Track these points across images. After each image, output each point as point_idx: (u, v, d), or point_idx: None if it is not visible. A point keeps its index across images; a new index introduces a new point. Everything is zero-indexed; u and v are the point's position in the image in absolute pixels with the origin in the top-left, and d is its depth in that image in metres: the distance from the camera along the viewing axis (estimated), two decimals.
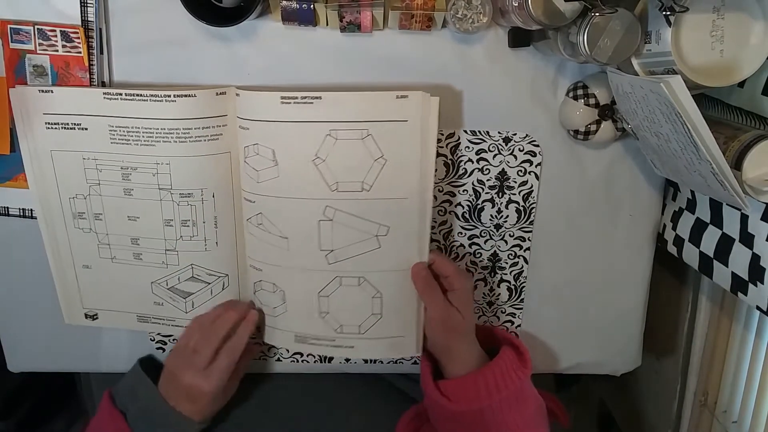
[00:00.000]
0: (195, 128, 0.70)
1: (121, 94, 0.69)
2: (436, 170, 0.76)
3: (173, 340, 0.84)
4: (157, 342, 0.84)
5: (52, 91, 0.70)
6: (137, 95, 0.69)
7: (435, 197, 0.78)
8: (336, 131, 0.69)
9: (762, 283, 0.64)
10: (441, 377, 0.73)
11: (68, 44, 0.70)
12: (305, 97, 0.67)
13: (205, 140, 0.71)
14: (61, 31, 0.69)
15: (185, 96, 0.69)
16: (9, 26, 0.69)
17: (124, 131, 0.71)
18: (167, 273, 0.78)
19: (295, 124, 0.68)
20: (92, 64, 0.71)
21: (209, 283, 0.78)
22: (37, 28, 0.69)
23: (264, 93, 0.68)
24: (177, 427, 0.72)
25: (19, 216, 0.78)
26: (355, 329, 0.77)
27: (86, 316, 0.82)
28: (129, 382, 0.78)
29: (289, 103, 0.67)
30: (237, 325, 0.75)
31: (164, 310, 0.80)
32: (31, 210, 0.77)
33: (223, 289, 0.78)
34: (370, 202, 0.71)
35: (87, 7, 0.69)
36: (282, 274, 0.76)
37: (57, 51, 0.70)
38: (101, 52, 0.71)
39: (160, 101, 0.69)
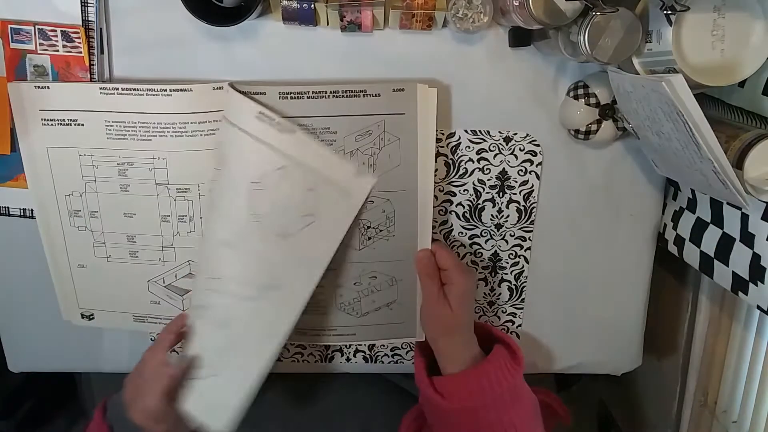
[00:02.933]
0: (191, 123, 0.70)
1: (117, 89, 0.70)
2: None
3: None
4: None
5: (48, 87, 0.70)
6: (133, 89, 0.69)
7: (436, 197, 0.78)
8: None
9: (762, 282, 0.64)
10: (437, 373, 0.73)
11: (69, 44, 0.70)
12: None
13: (201, 135, 0.71)
14: (61, 31, 0.69)
15: (181, 90, 0.69)
16: (9, 26, 0.69)
17: (120, 126, 0.71)
18: (164, 270, 0.78)
19: None
20: (93, 64, 0.71)
21: None
22: (38, 28, 0.69)
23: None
24: None
25: (20, 216, 0.78)
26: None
27: (82, 316, 0.82)
28: (121, 399, 0.74)
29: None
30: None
31: (161, 309, 0.80)
32: (31, 210, 0.77)
33: None
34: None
35: (87, 6, 0.69)
36: None
37: (57, 51, 0.70)
38: (102, 52, 0.71)
39: (156, 95, 0.69)
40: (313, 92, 0.68)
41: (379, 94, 0.69)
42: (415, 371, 0.73)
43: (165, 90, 0.69)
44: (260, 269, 0.70)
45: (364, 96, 0.69)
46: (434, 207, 0.78)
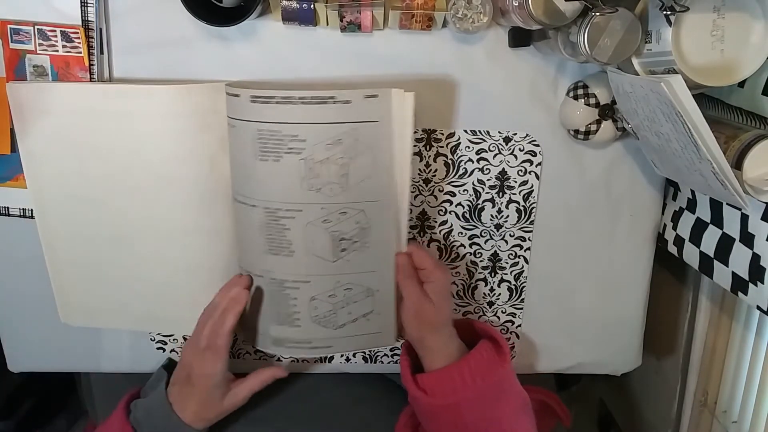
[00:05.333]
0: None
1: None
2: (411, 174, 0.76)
3: (173, 338, 0.84)
4: (157, 342, 0.84)
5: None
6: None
7: (436, 197, 0.78)
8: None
9: (762, 282, 0.64)
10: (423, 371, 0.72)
11: (68, 44, 0.70)
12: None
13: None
14: (61, 31, 0.69)
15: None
16: (9, 26, 0.69)
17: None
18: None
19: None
20: (92, 64, 0.71)
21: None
22: (37, 29, 0.69)
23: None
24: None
25: (19, 216, 0.78)
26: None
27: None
28: (149, 404, 0.75)
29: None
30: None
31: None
32: (31, 210, 0.77)
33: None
34: None
35: (87, 7, 0.69)
36: None
37: (57, 51, 0.70)
38: (101, 52, 0.71)
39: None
40: (281, 97, 0.64)
41: (350, 101, 0.64)
42: (401, 370, 0.73)
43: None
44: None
45: (333, 103, 0.64)
46: (434, 207, 0.79)
